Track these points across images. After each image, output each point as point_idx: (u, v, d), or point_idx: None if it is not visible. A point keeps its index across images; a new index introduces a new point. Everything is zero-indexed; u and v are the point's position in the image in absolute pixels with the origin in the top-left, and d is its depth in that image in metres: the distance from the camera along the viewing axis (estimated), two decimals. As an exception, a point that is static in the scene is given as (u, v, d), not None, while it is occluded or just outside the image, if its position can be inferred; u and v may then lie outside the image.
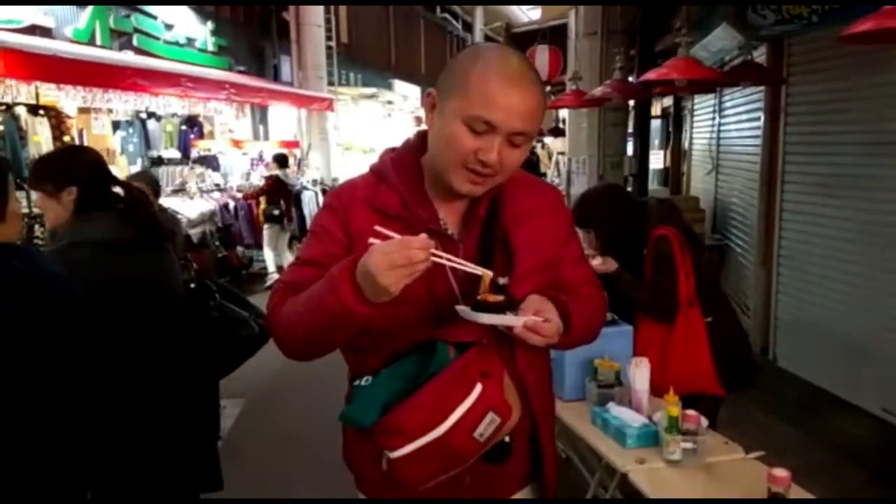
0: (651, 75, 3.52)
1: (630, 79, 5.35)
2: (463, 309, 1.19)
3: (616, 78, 5.09)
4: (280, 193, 8.14)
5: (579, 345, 1.45)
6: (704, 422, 2.06)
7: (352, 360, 1.36)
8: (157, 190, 3.64)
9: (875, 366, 3.95)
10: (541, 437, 1.38)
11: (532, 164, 3.79)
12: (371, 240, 1.09)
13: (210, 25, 10.09)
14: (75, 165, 2.00)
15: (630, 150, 6.82)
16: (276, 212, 8.01)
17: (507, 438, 1.23)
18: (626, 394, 2.25)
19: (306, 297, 1.19)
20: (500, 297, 1.21)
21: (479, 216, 1.31)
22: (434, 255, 1.10)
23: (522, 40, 8.60)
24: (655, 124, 8.41)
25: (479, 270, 1.20)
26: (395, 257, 1.04)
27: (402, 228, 1.15)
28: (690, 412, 2.02)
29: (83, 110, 7.52)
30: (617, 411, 2.16)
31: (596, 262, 2.56)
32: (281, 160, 8.50)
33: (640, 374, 2.17)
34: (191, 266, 3.80)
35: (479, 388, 1.13)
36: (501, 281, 1.26)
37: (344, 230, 1.28)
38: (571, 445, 3.13)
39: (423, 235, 1.08)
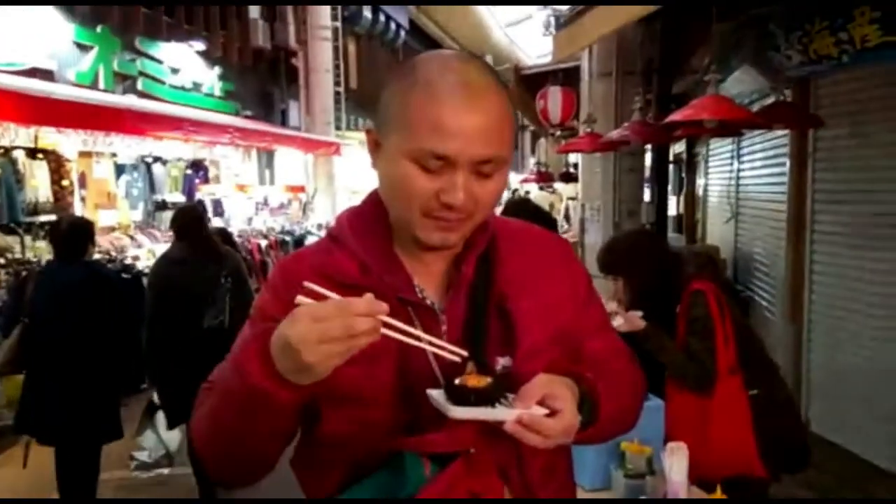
0: (677, 116, 3.23)
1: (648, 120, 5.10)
2: (434, 396, 0.88)
3: (635, 120, 4.82)
4: None
5: (610, 437, 1.12)
6: (756, 523, 1.73)
7: (304, 479, 1.04)
8: None
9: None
10: None
11: (548, 220, 3.29)
12: (299, 298, 0.80)
13: (217, 70, 10.02)
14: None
15: (647, 196, 6.53)
16: None
17: None
18: (660, 485, 1.91)
19: (219, 392, 0.92)
20: (486, 379, 0.89)
21: (465, 279, 1.00)
22: (388, 325, 0.81)
23: (533, 82, 8.42)
24: (668, 169, 8.16)
25: (448, 353, 0.89)
26: (329, 326, 0.76)
27: None
28: (741, 514, 1.69)
29: (84, 154, 7.37)
30: (651, 508, 1.82)
31: (618, 322, 2.23)
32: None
33: (677, 462, 1.83)
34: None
35: None
36: (502, 362, 0.95)
37: (287, 313, 0.93)
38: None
39: (370, 296, 0.78)
